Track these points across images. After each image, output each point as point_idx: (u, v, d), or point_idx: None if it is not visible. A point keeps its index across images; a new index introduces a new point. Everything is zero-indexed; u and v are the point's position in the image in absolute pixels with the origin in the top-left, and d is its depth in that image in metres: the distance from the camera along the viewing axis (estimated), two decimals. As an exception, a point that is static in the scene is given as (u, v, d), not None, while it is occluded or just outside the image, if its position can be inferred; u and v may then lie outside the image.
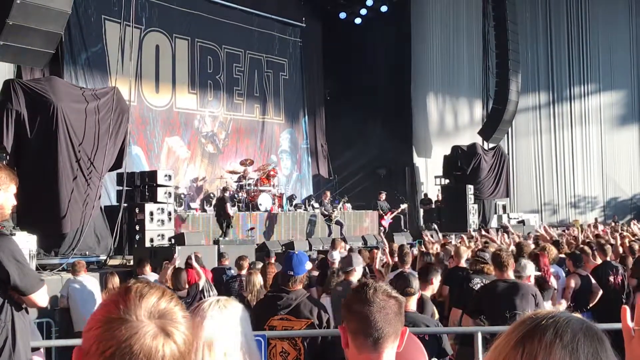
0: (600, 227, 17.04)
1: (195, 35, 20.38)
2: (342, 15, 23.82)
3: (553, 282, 7.03)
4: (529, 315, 1.16)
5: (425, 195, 22.61)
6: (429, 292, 5.93)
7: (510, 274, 5.68)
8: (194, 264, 8.12)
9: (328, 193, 18.78)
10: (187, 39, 20.26)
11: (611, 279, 7.92)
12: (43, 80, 12.12)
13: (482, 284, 6.06)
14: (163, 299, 1.32)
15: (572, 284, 7.54)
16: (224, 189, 16.82)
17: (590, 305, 7.55)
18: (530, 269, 6.05)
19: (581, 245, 9.61)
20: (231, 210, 16.07)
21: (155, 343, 1.25)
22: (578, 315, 1.17)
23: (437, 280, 6.09)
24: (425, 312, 5.37)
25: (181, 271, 7.95)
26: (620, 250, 9.66)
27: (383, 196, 19.94)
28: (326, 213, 17.97)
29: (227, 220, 15.51)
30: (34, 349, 4.19)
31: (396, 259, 8.44)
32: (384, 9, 23.34)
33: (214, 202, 16.97)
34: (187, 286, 7.81)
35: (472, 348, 5.13)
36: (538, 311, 1.18)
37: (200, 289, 7.69)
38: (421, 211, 22.61)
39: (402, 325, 2.12)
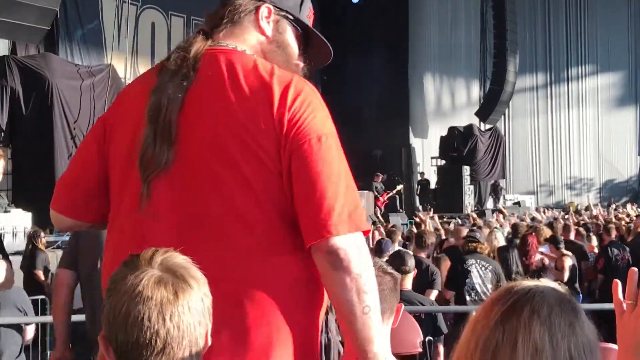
0: (595, 210, 17.05)
1: (191, 13, 20.16)
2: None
3: (546, 261, 7.06)
4: (505, 291, 1.15)
5: (422, 174, 22.57)
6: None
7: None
8: None
9: None
10: (183, 17, 20.07)
11: (619, 257, 7.97)
12: (38, 56, 12.02)
13: (475, 264, 6.06)
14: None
15: (566, 265, 7.25)
16: None
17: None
18: None
19: (577, 227, 9.63)
20: None
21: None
22: (552, 285, 1.16)
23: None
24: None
25: None
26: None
27: (379, 178, 19.90)
28: None
29: None
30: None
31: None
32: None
33: None
34: None
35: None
36: (513, 285, 1.17)
37: None
38: (418, 189, 22.54)
39: (398, 301, 2.12)
